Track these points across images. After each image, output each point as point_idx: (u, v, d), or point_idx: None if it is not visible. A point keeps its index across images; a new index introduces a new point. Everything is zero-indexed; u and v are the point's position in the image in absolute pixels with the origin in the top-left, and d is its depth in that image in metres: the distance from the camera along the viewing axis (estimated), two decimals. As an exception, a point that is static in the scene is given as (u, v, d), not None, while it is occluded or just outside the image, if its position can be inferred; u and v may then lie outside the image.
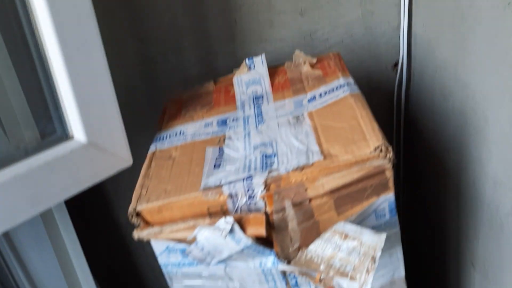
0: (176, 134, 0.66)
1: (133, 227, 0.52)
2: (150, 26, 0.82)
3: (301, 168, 0.51)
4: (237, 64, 0.85)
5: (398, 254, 0.57)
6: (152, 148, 0.64)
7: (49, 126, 0.57)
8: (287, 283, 0.54)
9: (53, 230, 0.78)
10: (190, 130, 0.66)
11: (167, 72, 0.85)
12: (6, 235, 0.78)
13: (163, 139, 0.65)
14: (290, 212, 0.50)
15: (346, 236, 0.49)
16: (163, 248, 0.55)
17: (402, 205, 0.92)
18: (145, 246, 1.03)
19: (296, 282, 0.54)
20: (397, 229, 0.55)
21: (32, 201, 0.53)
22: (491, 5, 0.55)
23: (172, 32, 0.83)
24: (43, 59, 0.54)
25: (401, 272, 0.58)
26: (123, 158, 0.62)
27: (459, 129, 0.67)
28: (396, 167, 0.88)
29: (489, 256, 0.60)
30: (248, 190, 0.52)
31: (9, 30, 0.54)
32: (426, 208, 0.81)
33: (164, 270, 0.57)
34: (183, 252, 0.54)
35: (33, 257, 0.79)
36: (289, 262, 0.52)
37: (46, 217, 0.77)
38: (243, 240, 0.49)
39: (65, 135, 0.57)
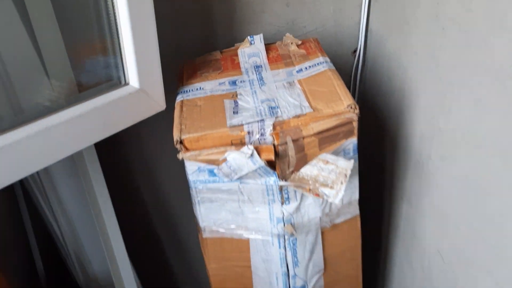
0: (197, 89, 0.86)
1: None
2: (164, 6, 0.99)
3: (298, 116, 0.75)
4: (234, 40, 1.06)
5: (355, 182, 0.82)
6: (179, 98, 0.84)
7: (112, 74, 0.76)
8: (282, 196, 0.78)
9: (82, 168, 0.95)
10: (208, 87, 0.87)
11: (174, 43, 1.04)
12: (46, 171, 0.95)
13: (187, 92, 0.86)
14: (290, 145, 0.74)
15: (327, 162, 0.73)
16: (195, 169, 0.76)
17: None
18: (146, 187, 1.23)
19: (288, 196, 0.78)
20: (356, 164, 0.80)
21: (102, 128, 0.72)
22: (426, 15, 0.81)
23: (182, 12, 1.02)
24: (114, 22, 0.72)
25: (356, 195, 0.84)
26: (160, 103, 0.82)
27: (399, 102, 0.93)
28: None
29: (414, 190, 0.87)
30: (261, 129, 0.74)
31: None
32: (369, 156, 1.08)
33: (192, 185, 0.78)
34: (211, 172, 0.76)
35: (66, 190, 0.97)
36: (285, 180, 0.75)
37: (77, 156, 0.95)
38: (258, 161, 0.72)
39: (124, 82, 0.76)
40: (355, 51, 1.13)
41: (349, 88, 1.16)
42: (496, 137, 0.64)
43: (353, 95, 1.15)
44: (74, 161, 0.96)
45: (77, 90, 0.77)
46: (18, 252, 1.04)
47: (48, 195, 0.97)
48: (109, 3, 0.71)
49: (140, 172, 1.22)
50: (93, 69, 0.79)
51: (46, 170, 0.97)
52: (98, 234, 1.02)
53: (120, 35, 0.73)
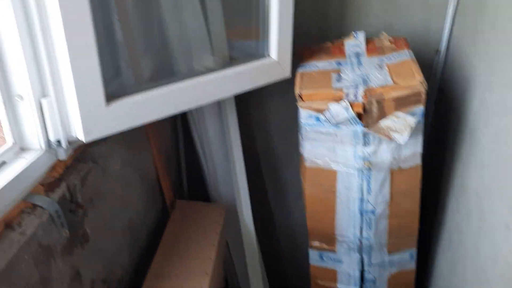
0: (312, 66, 1.24)
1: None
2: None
3: (382, 86, 1.09)
4: (342, 34, 1.42)
5: (419, 138, 1.14)
6: (299, 70, 1.23)
7: (259, 50, 1.16)
8: (364, 140, 1.12)
9: (225, 113, 1.38)
10: (320, 65, 1.24)
11: (299, 35, 1.43)
12: (202, 112, 1.39)
13: (305, 66, 1.24)
14: (374, 104, 1.08)
15: (398, 117, 1.07)
16: (307, 115, 1.14)
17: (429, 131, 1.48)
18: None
19: (369, 141, 1.12)
20: (421, 125, 1.12)
21: (253, 81, 1.13)
22: (488, 25, 1.10)
23: (303, 12, 1.40)
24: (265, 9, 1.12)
25: (419, 149, 1.15)
26: (287, 72, 1.21)
27: (463, 87, 1.23)
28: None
29: (465, 151, 1.17)
30: (355, 93, 1.10)
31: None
32: (438, 128, 1.38)
33: (302, 127, 1.16)
34: (317, 118, 1.13)
35: (212, 128, 1.40)
36: (368, 129, 1.10)
37: (222, 104, 1.38)
38: (351, 112, 1.07)
39: (267, 54, 1.16)
40: (437, 50, 1.43)
41: (429, 78, 1.46)
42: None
43: (434, 84, 1.45)
44: (220, 109, 1.39)
45: (229, 59, 1.19)
46: (174, 167, 1.50)
47: (201, 130, 1.42)
48: (266, 3, 1.11)
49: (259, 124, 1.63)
50: (249, 46, 1.20)
51: (202, 112, 1.41)
52: (230, 164, 1.44)
53: (269, 24, 1.13)
